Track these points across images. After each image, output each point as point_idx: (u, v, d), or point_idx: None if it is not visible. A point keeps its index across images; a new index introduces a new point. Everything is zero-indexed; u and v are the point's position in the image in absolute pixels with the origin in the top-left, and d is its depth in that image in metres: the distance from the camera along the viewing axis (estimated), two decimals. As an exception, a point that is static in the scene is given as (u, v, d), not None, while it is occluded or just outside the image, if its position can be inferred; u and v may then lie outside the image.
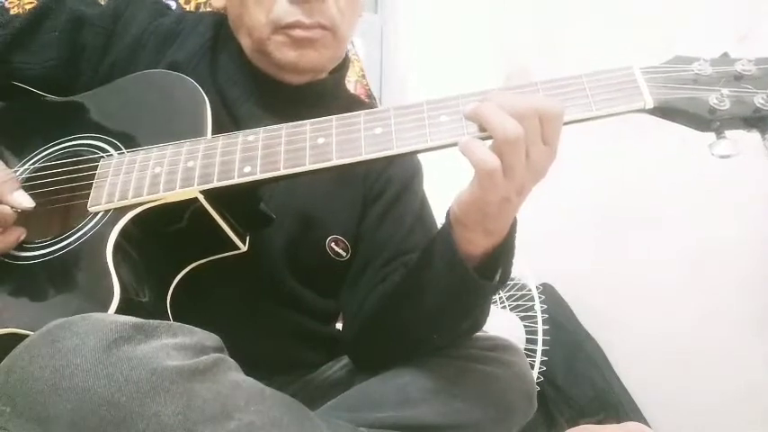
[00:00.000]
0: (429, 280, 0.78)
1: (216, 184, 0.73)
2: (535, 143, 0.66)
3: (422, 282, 0.79)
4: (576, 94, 0.68)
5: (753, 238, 1.48)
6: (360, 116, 0.72)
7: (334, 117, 0.73)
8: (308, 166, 0.71)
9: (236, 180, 0.73)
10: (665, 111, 0.67)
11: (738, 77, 0.66)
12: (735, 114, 0.64)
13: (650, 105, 0.67)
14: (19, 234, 0.75)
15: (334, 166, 0.71)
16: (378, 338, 0.87)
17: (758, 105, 0.64)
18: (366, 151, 0.70)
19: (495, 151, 0.65)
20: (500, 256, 0.75)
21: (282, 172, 0.72)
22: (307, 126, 0.74)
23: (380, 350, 0.88)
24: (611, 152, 1.70)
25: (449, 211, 0.74)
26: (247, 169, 0.73)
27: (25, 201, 0.76)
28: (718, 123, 0.65)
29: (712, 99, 0.65)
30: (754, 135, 0.64)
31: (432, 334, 0.82)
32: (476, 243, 0.73)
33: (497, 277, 0.76)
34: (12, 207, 0.74)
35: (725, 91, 0.65)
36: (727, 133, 0.65)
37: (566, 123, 0.67)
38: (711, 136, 0.66)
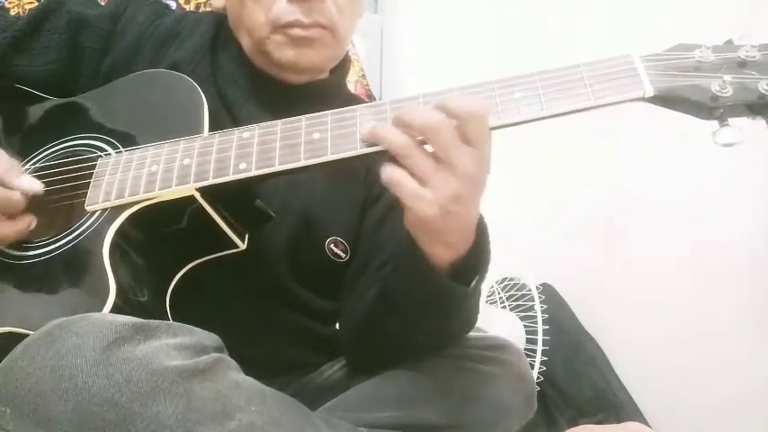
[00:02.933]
0: (406, 289, 0.77)
1: (212, 181, 0.72)
2: (456, 147, 0.63)
3: (399, 291, 0.78)
4: (574, 84, 0.67)
5: (755, 239, 1.48)
6: (356, 111, 0.72)
7: (329, 112, 0.72)
8: (303, 162, 0.71)
9: (232, 177, 0.72)
10: (666, 99, 0.66)
11: (742, 64, 0.64)
12: (738, 101, 0.63)
13: (650, 93, 0.65)
14: (29, 221, 0.75)
15: (330, 162, 0.70)
16: (370, 342, 0.87)
17: (762, 91, 0.62)
18: (362, 146, 0.69)
19: None
20: (476, 264, 0.73)
21: (277, 168, 0.71)
22: (302, 121, 0.73)
23: (374, 353, 0.87)
24: (611, 150, 1.70)
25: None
26: (243, 166, 0.72)
27: (33, 184, 0.75)
28: (721, 111, 0.63)
29: (714, 86, 0.63)
30: (759, 122, 0.63)
31: (419, 338, 0.81)
32: (437, 257, 0.71)
33: (473, 283, 0.74)
34: (20, 191, 0.74)
35: (728, 77, 0.63)
36: (731, 121, 0.63)
37: (566, 114, 0.66)
38: (714, 126, 0.65)
